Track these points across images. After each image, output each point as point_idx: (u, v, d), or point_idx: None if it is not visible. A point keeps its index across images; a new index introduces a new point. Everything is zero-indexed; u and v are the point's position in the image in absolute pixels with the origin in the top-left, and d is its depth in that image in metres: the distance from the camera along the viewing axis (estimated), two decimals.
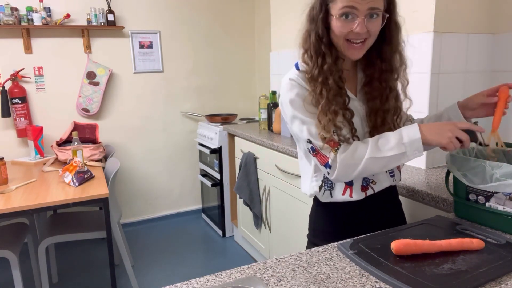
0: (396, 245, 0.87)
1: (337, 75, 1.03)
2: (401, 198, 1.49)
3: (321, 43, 1.02)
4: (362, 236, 0.99)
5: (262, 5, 3.56)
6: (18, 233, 2.21)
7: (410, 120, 1.23)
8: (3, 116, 2.84)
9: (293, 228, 2.25)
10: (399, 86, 1.10)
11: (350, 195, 1.12)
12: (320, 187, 1.16)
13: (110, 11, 3.08)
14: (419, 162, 1.73)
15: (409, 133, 0.97)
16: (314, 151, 1.05)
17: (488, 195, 1.04)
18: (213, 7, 3.53)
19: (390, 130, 1.07)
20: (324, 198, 1.17)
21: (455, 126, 0.95)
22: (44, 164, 2.65)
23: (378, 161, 0.98)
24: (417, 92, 1.70)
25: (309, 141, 1.05)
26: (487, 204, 1.05)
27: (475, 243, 0.90)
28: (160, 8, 3.33)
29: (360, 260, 0.85)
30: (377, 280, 0.80)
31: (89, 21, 3.03)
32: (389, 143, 0.98)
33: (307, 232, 1.29)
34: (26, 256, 2.44)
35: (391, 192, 1.22)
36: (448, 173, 1.16)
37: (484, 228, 1.04)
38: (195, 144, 3.58)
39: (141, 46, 3.32)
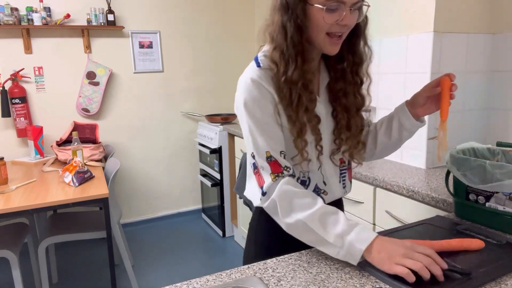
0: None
1: (309, 75, 0.92)
2: (401, 198, 1.50)
3: (301, 37, 0.89)
4: None
5: (262, 5, 3.56)
6: (18, 233, 2.21)
7: (368, 123, 1.14)
8: (3, 116, 2.84)
9: None
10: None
11: None
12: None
13: (110, 11, 3.08)
14: (419, 162, 1.73)
15: (358, 236, 0.80)
16: (255, 169, 0.92)
17: (488, 195, 1.04)
18: (213, 7, 3.53)
19: (356, 129, 1.02)
20: None
21: (411, 250, 0.77)
22: (44, 164, 2.65)
23: (308, 232, 0.84)
24: None
25: (252, 156, 0.92)
26: (487, 204, 1.05)
27: (475, 243, 0.90)
28: (160, 8, 3.33)
29: (360, 260, 0.85)
30: (377, 280, 0.80)
31: (89, 21, 3.03)
32: (334, 226, 0.82)
33: None
34: (26, 256, 2.44)
35: (339, 204, 1.14)
36: (448, 173, 1.16)
37: (484, 228, 1.04)
38: (195, 144, 3.58)
39: (141, 46, 3.31)
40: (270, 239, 1.07)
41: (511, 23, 1.70)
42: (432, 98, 1.01)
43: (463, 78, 1.73)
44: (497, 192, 1.02)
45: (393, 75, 1.83)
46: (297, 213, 0.86)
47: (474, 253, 0.88)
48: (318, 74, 1.03)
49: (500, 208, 1.02)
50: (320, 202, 0.87)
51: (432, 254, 0.77)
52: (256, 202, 0.96)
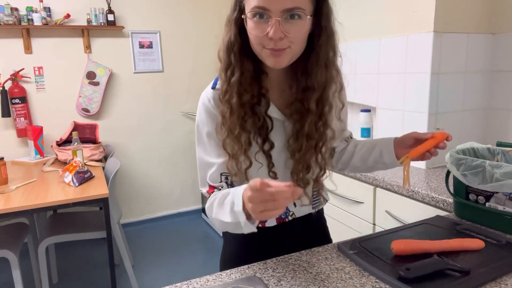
0: (396, 245, 0.87)
1: (250, 94, 0.83)
2: (401, 198, 1.50)
3: (231, 52, 0.84)
4: (361, 236, 0.99)
5: None
6: (18, 233, 2.21)
7: (346, 139, 1.07)
8: (3, 116, 2.84)
9: None
10: (326, 109, 0.87)
11: (262, 225, 0.96)
12: None
13: (110, 11, 3.08)
14: (419, 162, 1.73)
15: (237, 201, 0.73)
16: (199, 176, 0.93)
17: (488, 195, 1.04)
18: (213, 7, 3.53)
19: (311, 158, 0.88)
20: None
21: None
22: (44, 164, 2.65)
23: (224, 225, 0.80)
24: (417, 92, 1.70)
25: (198, 167, 0.93)
26: (487, 204, 1.05)
27: (475, 243, 0.90)
28: (160, 8, 3.33)
29: (360, 260, 0.86)
30: (377, 280, 0.80)
31: (89, 21, 3.03)
32: (227, 206, 0.78)
33: None
34: (26, 256, 2.44)
35: (311, 216, 1.04)
36: (448, 173, 1.16)
37: (484, 228, 1.04)
38: (195, 144, 3.58)
39: (141, 46, 3.31)
40: (237, 250, 1.07)
41: (511, 23, 1.70)
42: (419, 142, 0.94)
43: (463, 78, 1.73)
44: (497, 192, 1.02)
45: (393, 75, 1.83)
46: (213, 216, 0.86)
47: (474, 253, 0.88)
48: (283, 91, 0.90)
49: (500, 208, 1.02)
50: (227, 191, 0.84)
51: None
52: None
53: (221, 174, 0.88)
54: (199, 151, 0.92)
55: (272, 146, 0.87)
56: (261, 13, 0.75)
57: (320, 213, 1.11)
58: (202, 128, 0.90)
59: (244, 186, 0.72)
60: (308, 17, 0.77)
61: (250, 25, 0.78)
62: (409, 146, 0.96)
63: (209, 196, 0.89)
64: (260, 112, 0.86)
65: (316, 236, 1.07)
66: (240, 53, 0.83)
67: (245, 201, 0.69)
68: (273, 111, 0.88)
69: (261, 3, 0.74)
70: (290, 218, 0.98)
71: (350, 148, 1.07)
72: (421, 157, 0.93)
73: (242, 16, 0.80)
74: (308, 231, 1.04)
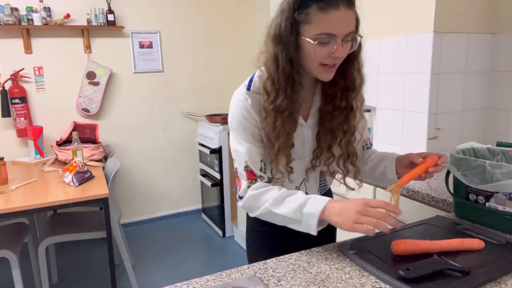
0: (396, 245, 0.87)
1: (297, 105, 0.97)
2: (401, 198, 1.49)
3: (292, 69, 0.92)
4: (361, 236, 0.99)
5: (262, 5, 3.56)
6: (18, 233, 2.21)
7: (367, 145, 1.19)
8: (3, 116, 2.84)
9: None
10: (359, 105, 1.04)
11: None
12: None
13: (110, 11, 3.08)
14: None
15: (313, 204, 0.89)
16: (236, 173, 1.03)
17: (488, 195, 1.04)
18: (213, 7, 3.53)
19: (349, 147, 1.05)
20: None
21: (365, 206, 0.84)
22: (44, 164, 2.65)
23: (274, 216, 0.94)
24: (417, 92, 1.70)
25: (235, 162, 1.02)
26: (487, 204, 1.05)
27: (475, 243, 0.90)
28: (160, 8, 3.33)
29: (360, 260, 0.85)
30: (377, 280, 0.80)
31: (89, 21, 3.03)
32: (292, 203, 0.91)
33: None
34: (26, 256, 2.44)
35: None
36: (448, 173, 1.16)
37: (484, 228, 1.04)
38: (195, 144, 3.58)
39: (141, 46, 3.32)
40: (263, 242, 1.17)
41: (511, 23, 1.70)
42: (414, 166, 1.01)
43: (463, 78, 1.73)
44: (497, 192, 1.02)
45: (393, 75, 1.83)
46: (263, 205, 0.95)
47: (474, 253, 0.88)
48: (312, 97, 1.06)
49: (500, 208, 1.02)
50: (282, 190, 0.96)
51: (386, 205, 0.84)
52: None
53: (261, 160, 0.99)
54: (238, 142, 1.00)
55: (293, 145, 1.00)
56: (327, 38, 0.87)
57: (328, 192, 1.24)
58: (239, 123, 0.99)
59: (319, 196, 0.91)
60: (356, 35, 0.91)
61: (311, 47, 0.89)
62: (406, 167, 1.05)
63: (250, 184, 0.98)
64: (295, 118, 0.99)
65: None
66: (291, 70, 0.93)
67: (349, 212, 0.83)
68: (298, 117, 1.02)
69: (330, 30, 0.86)
70: None
71: (365, 157, 1.18)
72: (417, 178, 1.00)
73: (301, 37, 0.90)
74: None
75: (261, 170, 0.99)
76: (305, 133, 1.05)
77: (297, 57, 0.92)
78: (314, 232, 0.88)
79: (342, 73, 0.99)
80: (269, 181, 1.01)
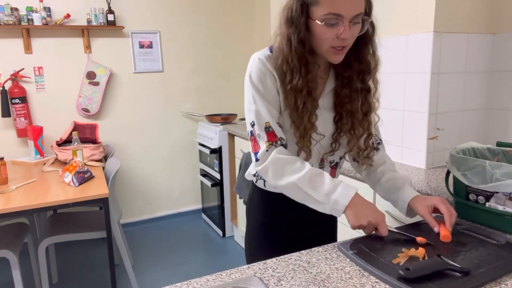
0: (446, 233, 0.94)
1: (314, 83, 0.99)
2: None
3: (304, 50, 0.95)
4: (361, 236, 0.99)
5: (262, 5, 3.56)
6: (18, 233, 2.21)
7: (376, 141, 1.17)
8: (3, 116, 2.84)
9: None
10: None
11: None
12: (255, 174, 1.18)
13: (110, 11, 3.08)
14: (419, 162, 1.73)
15: (343, 193, 0.93)
16: (252, 136, 1.02)
17: (488, 195, 1.04)
18: (213, 7, 3.53)
19: (359, 133, 1.06)
20: (259, 184, 1.18)
21: (383, 220, 0.95)
22: (44, 164, 2.65)
23: (299, 192, 0.96)
24: (417, 92, 1.70)
25: (252, 124, 1.01)
26: (487, 204, 1.05)
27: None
28: (160, 8, 3.33)
29: (360, 260, 0.86)
30: (377, 280, 0.80)
31: (89, 21, 3.03)
32: (321, 186, 0.95)
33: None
34: (26, 256, 2.44)
35: None
36: (448, 173, 1.16)
37: (484, 228, 1.04)
38: (195, 144, 3.58)
39: (141, 46, 3.31)
40: (265, 216, 1.19)
41: (511, 23, 1.70)
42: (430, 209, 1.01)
43: (463, 78, 1.73)
44: (497, 192, 1.02)
45: (393, 75, 1.83)
46: (289, 177, 0.96)
47: (474, 252, 0.88)
48: (325, 79, 1.07)
49: (500, 208, 1.02)
50: (308, 166, 0.97)
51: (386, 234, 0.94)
52: (252, 177, 1.14)
53: (277, 124, 1.00)
54: (259, 99, 1.00)
55: (312, 126, 1.01)
56: (334, 19, 0.88)
57: None
58: (258, 80, 1.00)
59: (348, 185, 0.95)
60: (365, 17, 0.92)
61: (320, 29, 0.91)
62: (414, 215, 1.07)
63: (270, 145, 0.98)
64: (315, 97, 1.01)
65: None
66: (303, 51, 0.95)
67: (364, 217, 0.92)
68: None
69: (337, 10, 0.87)
70: None
71: (378, 175, 1.15)
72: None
73: (310, 20, 0.92)
74: None
75: (281, 130, 1.00)
76: (323, 114, 1.06)
77: (309, 39, 0.94)
78: (338, 214, 0.94)
79: (356, 56, 1.01)
80: (286, 144, 1.02)
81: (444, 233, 0.94)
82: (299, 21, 0.93)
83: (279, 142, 0.99)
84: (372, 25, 0.98)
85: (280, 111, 1.02)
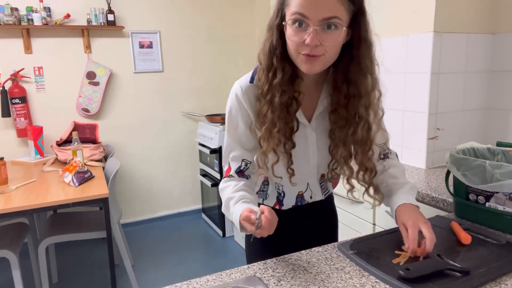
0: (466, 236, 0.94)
1: (287, 95, 0.89)
2: None
3: (273, 55, 0.88)
4: (361, 236, 0.99)
5: (262, 5, 3.56)
6: (18, 233, 2.21)
7: (386, 153, 1.07)
8: (3, 116, 2.84)
9: None
10: (371, 116, 0.92)
11: (279, 207, 1.11)
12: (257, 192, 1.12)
13: (110, 11, 3.08)
14: (419, 162, 1.73)
15: (236, 211, 0.89)
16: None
17: (488, 195, 1.04)
18: (213, 7, 3.53)
19: (364, 159, 0.93)
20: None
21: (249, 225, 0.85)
22: (44, 164, 2.65)
23: (229, 216, 0.95)
24: (417, 92, 1.70)
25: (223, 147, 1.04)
26: (487, 204, 1.05)
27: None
28: (160, 8, 3.33)
29: (360, 260, 0.86)
30: (377, 280, 0.80)
31: (89, 21, 3.03)
32: (230, 209, 0.94)
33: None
34: (26, 256, 2.44)
35: (324, 202, 1.17)
36: (448, 173, 1.16)
37: (484, 228, 1.04)
38: (195, 144, 3.58)
39: (141, 46, 3.31)
40: (262, 242, 1.08)
41: (511, 23, 1.70)
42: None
43: (463, 78, 1.73)
44: (497, 192, 1.02)
45: (393, 75, 1.83)
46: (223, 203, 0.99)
47: (474, 252, 0.88)
48: (317, 97, 0.97)
49: (500, 208, 1.02)
50: (234, 188, 0.96)
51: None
52: None
53: (242, 160, 0.99)
54: (228, 134, 1.00)
55: (293, 145, 0.94)
56: (301, 20, 0.80)
57: (330, 196, 1.22)
58: (234, 116, 0.97)
59: (242, 207, 0.87)
60: (344, 28, 0.82)
61: (289, 31, 0.83)
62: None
63: (225, 177, 1.01)
64: (292, 112, 0.92)
65: (326, 212, 1.22)
66: (282, 56, 0.88)
67: (242, 223, 0.85)
68: (300, 115, 0.95)
69: (301, 9, 0.79)
70: (304, 203, 1.12)
71: (380, 178, 1.06)
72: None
73: (283, 23, 0.85)
74: (320, 209, 1.17)
75: (239, 166, 0.99)
76: (308, 135, 0.98)
77: (281, 45, 0.87)
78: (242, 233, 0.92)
79: (345, 77, 0.89)
80: (245, 178, 1.01)
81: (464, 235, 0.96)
82: (273, 24, 0.88)
83: (231, 177, 1.00)
84: (366, 41, 0.86)
85: (253, 147, 0.97)
